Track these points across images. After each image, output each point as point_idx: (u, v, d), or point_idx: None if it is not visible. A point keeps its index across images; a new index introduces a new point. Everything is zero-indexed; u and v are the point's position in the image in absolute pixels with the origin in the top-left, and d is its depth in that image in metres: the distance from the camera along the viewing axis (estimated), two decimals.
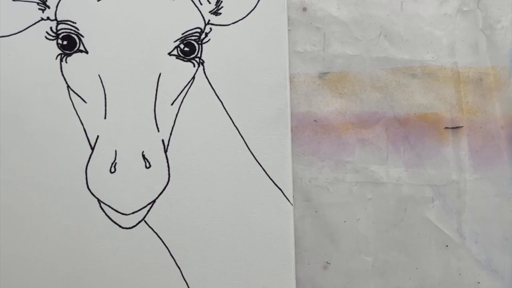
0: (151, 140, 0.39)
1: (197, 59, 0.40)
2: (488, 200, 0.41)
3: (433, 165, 0.41)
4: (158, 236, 0.38)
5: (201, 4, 0.41)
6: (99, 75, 0.39)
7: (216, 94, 0.40)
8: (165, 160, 0.39)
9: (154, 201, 0.38)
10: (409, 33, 0.42)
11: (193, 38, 0.40)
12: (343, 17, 0.43)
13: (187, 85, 0.40)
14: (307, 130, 0.41)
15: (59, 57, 0.39)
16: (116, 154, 0.38)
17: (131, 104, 0.39)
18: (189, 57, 0.40)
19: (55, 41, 0.39)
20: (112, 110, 0.39)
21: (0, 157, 0.38)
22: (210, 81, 0.40)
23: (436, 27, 0.42)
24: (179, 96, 0.40)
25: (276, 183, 0.39)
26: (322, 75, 0.42)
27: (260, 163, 0.39)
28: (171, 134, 0.39)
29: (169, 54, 0.40)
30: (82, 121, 0.39)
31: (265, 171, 0.39)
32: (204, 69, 0.40)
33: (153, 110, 0.39)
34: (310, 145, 0.41)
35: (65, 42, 0.39)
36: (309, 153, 0.41)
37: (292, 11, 0.42)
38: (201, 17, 0.41)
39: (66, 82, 0.39)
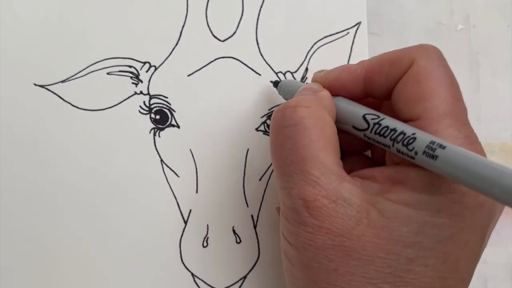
0: (240, 216, 0.40)
1: None
2: None
3: None
4: None
5: (286, 79, 0.42)
6: (190, 149, 0.41)
7: None
8: (255, 236, 0.40)
9: (245, 277, 0.40)
10: (487, 111, 0.44)
11: None
12: None
13: None
14: None
15: (152, 131, 0.41)
16: (208, 229, 0.40)
17: (221, 179, 0.41)
18: None
19: (148, 115, 0.41)
20: (203, 184, 0.41)
21: (96, 230, 0.39)
22: None
23: None
24: (267, 172, 0.41)
25: None
26: None
27: None
28: (259, 209, 0.41)
29: (257, 129, 0.42)
30: (176, 195, 0.40)
31: None
32: None
33: (242, 186, 0.41)
34: None
35: (157, 117, 0.41)
36: None
37: None
38: None
39: (160, 156, 0.41)
